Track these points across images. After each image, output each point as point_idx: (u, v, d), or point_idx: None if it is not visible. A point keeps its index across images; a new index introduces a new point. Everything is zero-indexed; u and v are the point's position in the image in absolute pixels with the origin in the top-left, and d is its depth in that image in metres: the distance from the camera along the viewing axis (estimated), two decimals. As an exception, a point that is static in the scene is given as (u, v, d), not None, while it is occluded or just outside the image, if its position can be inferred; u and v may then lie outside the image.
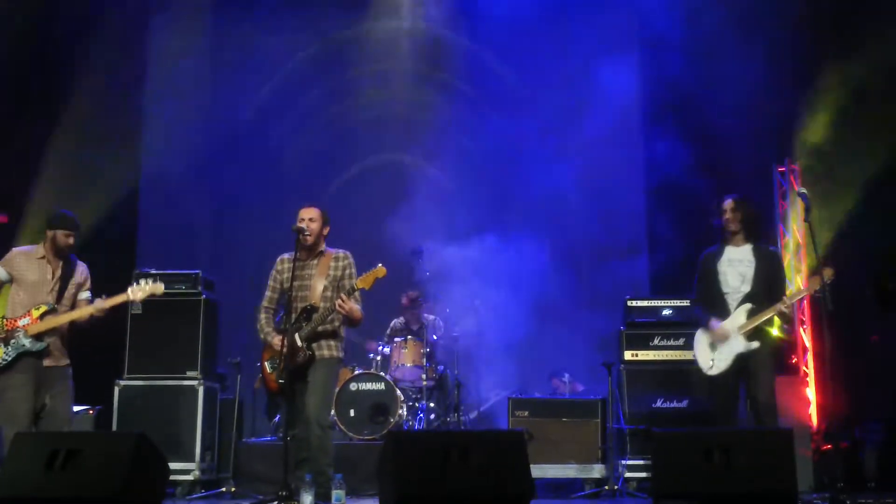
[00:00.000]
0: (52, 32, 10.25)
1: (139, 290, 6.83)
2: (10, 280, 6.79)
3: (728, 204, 6.90)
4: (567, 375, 9.52)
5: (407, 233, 9.82)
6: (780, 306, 6.62)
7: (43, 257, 6.84)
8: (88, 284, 7.01)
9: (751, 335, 6.65)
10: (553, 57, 11.06)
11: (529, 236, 10.49)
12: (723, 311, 6.80)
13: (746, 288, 6.75)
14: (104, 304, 6.78)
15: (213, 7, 11.34)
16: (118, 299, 6.83)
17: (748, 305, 6.70)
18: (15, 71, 10.07)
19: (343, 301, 6.39)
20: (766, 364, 6.67)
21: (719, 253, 6.91)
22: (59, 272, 6.86)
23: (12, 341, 6.61)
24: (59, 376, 6.76)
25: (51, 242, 6.84)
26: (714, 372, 6.76)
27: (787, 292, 6.73)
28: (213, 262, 10.61)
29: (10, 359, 6.58)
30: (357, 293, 6.52)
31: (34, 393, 6.60)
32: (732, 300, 6.79)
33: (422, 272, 9.62)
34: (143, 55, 11.24)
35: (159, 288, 6.91)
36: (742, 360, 6.66)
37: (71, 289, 6.91)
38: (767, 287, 6.76)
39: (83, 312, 6.77)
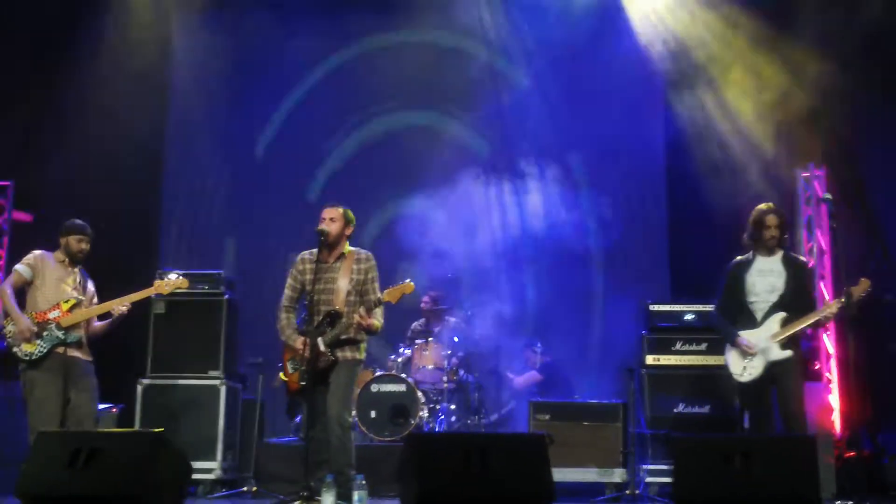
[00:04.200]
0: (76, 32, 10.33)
1: (165, 284, 6.96)
2: (32, 281, 6.88)
3: (772, 219, 6.77)
4: (539, 345, 9.78)
5: (427, 239, 9.84)
6: (820, 315, 6.56)
7: (63, 261, 6.97)
8: (96, 300, 7.15)
9: (784, 344, 6.59)
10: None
11: (553, 245, 10.51)
12: (748, 320, 6.74)
13: (775, 297, 6.68)
14: (129, 298, 6.89)
15: (240, 9, 11.39)
16: (144, 293, 7.00)
17: (782, 314, 6.63)
18: (39, 76, 10.16)
19: (362, 317, 6.36)
20: (795, 372, 6.61)
21: (749, 263, 6.84)
22: (78, 276, 7.02)
23: (45, 333, 6.71)
24: (83, 371, 6.87)
25: (65, 249, 6.99)
26: (746, 379, 6.68)
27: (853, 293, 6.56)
28: (235, 262, 10.66)
29: (45, 351, 6.68)
30: (381, 305, 6.52)
31: (62, 389, 6.71)
32: (759, 309, 6.72)
33: (443, 274, 9.63)
34: (168, 55, 11.32)
35: (184, 282, 7.07)
36: (774, 368, 6.60)
37: (88, 293, 7.04)
38: (797, 297, 6.71)
39: (110, 304, 6.87)
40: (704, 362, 8.19)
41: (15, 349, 6.70)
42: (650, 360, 8.30)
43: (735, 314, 6.83)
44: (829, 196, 6.82)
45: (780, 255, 6.81)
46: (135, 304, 7.07)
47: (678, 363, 8.27)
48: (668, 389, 8.20)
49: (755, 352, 6.63)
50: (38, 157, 10.05)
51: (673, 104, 10.62)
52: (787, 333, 6.59)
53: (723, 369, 7.00)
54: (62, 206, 8.59)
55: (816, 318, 6.63)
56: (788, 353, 6.57)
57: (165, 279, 7.05)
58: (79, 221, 7.07)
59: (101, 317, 7.04)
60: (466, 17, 10.97)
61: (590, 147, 10.89)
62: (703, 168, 10.18)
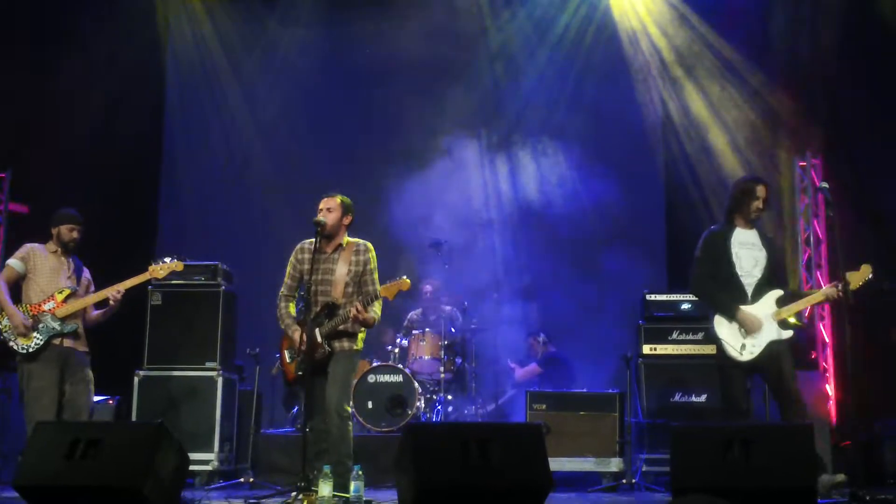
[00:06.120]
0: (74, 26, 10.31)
1: (160, 269, 6.95)
2: (25, 274, 6.87)
3: (762, 190, 6.56)
4: (543, 335, 9.83)
5: (426, 226, 9.84)
6: (832, 291, 6.36)
7: (55, 251, 6.96)
8: (92, 288, 7.14)
9: (783, 323, 6.44)
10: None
11: (549, 232, 10.51)
12: (739, 295, 6.49)
13: (758, 273, 6.51)
14: (125, 284, 6.88)
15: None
16: (140, 279, 6.98)
17: (777, 292, 6.49)
18: (35, 66, 10.13)
19: (359, 311, 6.29)
20: (790, 353, 6.46)
21: (728, 233, 6.60)
22: (72, 265, 7.01)
23: (41, 325, 6.70)
24: (79, 362, 6.86)
25: (57, 239, 6.99)
26: (746, 358, 6.40)
27: (852, 280, 6.32)
28: (231, 253, 10.65)
29: (41, 343, 6.67)
30: (379, 299, 6.50)
31: (58, 380, 6.71)
32: (747, 284, 6.50)
33: (440, 264, 9.62)
34: (164, 45, 11.31)
35: (179, 265, 7.04)
36: (774, 347, 6.41)
37: (83, 281, 7.03)
38: (778, 274, 6.66)
39: (106, 292, 6.86)
40: (701, 351, 8.22)
41: (11, 343, 6.70)
42: (647, 349, 8.33)
43: (721, 288, 6.56)
44: (825, 185, 6.75)
45: (755, 229, 6.66)
46: (131, 296, 7.06)
47: (675, 352, 8.31)
48: (664, 379, 8.23)
49: (758, 324, 6.41)
50: (35, 148, 10.02)
51: (669, 90, 10.65)
52: (790, 313, 6.45)
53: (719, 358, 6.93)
54: (58, 197, 8.57)
55: (815, 301, 6.59)
56: (790, 333, 6.44)
57: (160, 263, 7.03)
58: (70, 210, 7.07)
59: (97, 305, 7.03)
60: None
61: (586, 131, 10.88)
62: (701, 156, 10.21)
